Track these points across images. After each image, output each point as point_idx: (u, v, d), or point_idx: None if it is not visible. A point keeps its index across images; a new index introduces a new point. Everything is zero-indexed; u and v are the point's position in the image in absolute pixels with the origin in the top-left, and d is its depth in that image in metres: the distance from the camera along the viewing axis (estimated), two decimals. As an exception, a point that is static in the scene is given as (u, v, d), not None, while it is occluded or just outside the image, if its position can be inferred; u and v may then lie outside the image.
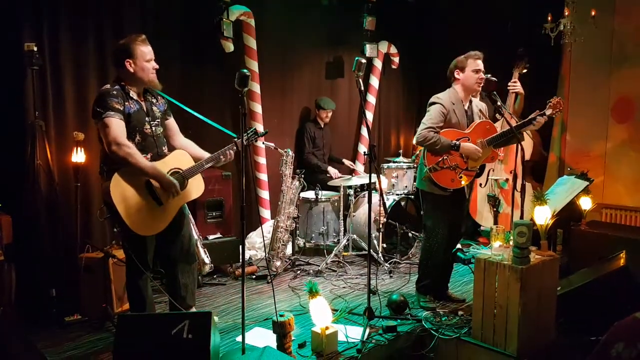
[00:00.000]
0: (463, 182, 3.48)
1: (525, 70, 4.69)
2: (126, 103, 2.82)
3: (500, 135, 3.45)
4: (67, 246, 3.71)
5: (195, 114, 3.30)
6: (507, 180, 4.86)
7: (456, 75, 3.50)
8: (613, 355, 1.29)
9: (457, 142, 3.38)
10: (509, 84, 4.66)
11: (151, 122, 2.94)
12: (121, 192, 2.75)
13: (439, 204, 3.51)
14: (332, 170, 5.39)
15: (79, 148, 3.63)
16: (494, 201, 4.93)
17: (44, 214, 3.62)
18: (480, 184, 5.01)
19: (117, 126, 2.73)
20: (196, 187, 3.08)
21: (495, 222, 4.84)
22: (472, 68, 3.44)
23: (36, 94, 3.50)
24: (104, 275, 3.40)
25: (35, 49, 3.41)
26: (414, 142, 3.45)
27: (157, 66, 2.91)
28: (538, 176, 5.32)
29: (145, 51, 2.84)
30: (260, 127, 5.05)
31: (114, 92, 2.78)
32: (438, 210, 3.54)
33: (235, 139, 3.06)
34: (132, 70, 2.83)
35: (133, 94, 2.87)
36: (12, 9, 3.50)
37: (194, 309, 3.18)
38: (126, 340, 2.46)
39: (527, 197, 3.46)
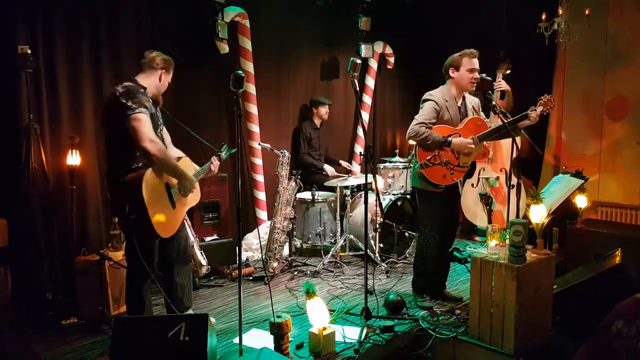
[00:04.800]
0: (454, 179, 3.49)
1: (508, 72, 4.72)
2: (149, 104, 2.83)
3: (493, 131, 3.44)
4: (63, 249, 3.70)
5: (181, 124, 3.32)
6: (497, 178, 4.87)
7: (451, 74, 3.49)
8: (614, 332, 1.35)
9: (449, 138, 3.38)
10: (494, 84, 4.68)
11: (159, 126, 2.99)
12: (149, 192, 2.69)
13: (432, 201, 3.52)
14: (329, 168, 5.37)
15: (73, 150, 3.61)
16: (486, 199, 4.94)
17: (39, 217, 3.61)
18: (472, 184, 5.02)
19: (149, 123, 2.73)
20: (193, 195, 3.12)
21: (490, 221, 4.84)
22: (467, 67, 3.43)
23: (30, 97, 3.49)
24: (100, 278, 3.39)
25: (29, 51, 3.40)
26: (406, 137, 3.45)
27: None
28: (528, 173, 5.34)
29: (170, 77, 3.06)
30: (256, 128, 5.05)
31: (142, 91, 2.81)
32: (431, 207, 3.55)
33: (217, 153, 3.29)
34: (160, 82, 2.96)
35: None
36: (6, 12, 3.48)
37: (191, 311, 3.18)
38: (123, 343, 2.46)
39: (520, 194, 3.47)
